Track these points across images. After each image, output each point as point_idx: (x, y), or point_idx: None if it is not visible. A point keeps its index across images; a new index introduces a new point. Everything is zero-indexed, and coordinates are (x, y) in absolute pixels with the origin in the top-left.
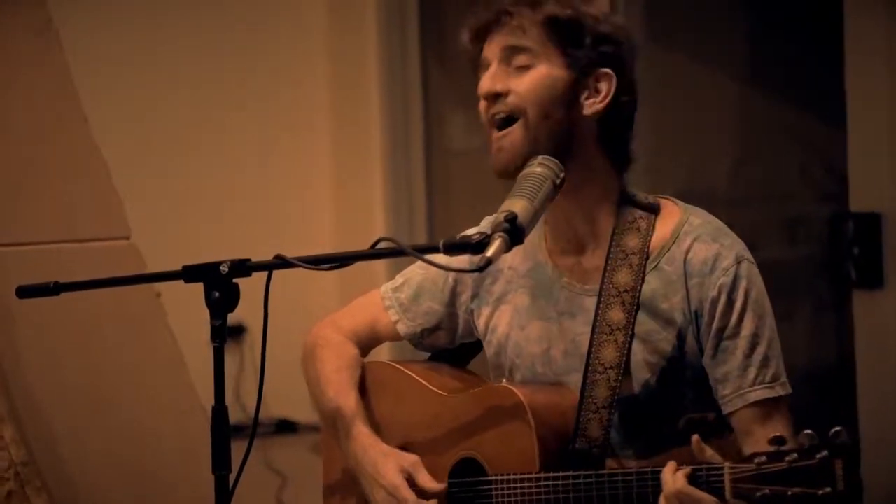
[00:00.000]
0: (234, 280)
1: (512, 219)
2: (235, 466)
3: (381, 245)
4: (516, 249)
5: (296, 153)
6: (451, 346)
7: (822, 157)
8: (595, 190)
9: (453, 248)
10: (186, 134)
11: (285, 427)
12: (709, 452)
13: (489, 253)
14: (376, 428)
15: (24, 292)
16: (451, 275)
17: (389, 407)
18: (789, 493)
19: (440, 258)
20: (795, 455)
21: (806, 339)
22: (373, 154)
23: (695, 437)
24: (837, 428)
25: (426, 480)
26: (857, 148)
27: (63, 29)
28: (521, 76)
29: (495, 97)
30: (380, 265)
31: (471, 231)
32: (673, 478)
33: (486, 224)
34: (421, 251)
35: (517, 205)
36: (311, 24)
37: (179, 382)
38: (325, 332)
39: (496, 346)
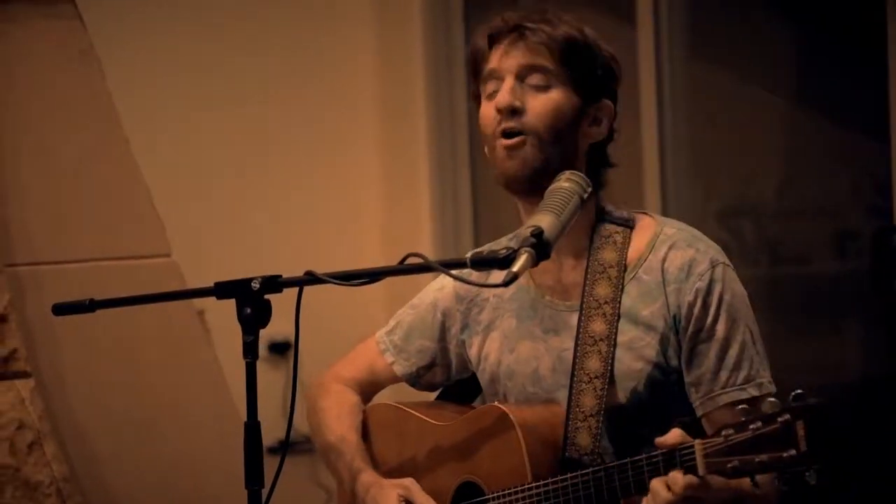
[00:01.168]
0: (267, 297)
1: (538, 234)
2: (281, 483)
3: (410, 261)
4: (499, 277)
5: (343, 169)
6: (448, 383)
7: (871, 172)
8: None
9: (480, 263)
10: (230, 152)
11: None
12: (674, 435)
13: (515, 268)
14: (380, 467)
15: (61, 310)
16: (440, 310)
17: (391, 446)
18: (756, 460)
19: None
20: (759, 423)
21: (856, 354)
22: (420, 170)
23: (656, 440)
24: (798, 391)
25: (424, 501)
26: None
27: (104, 53)
28: (537, 96)
29: (511, 112)
30: (426, 281)
31: (492, 245)
32: (671, 482)
33: (505, 241)
34: (448, 266)
35: (544, 220)
36: (359, 41)
37: (221, 402)
38: (325, 382)
39: (490, 374)
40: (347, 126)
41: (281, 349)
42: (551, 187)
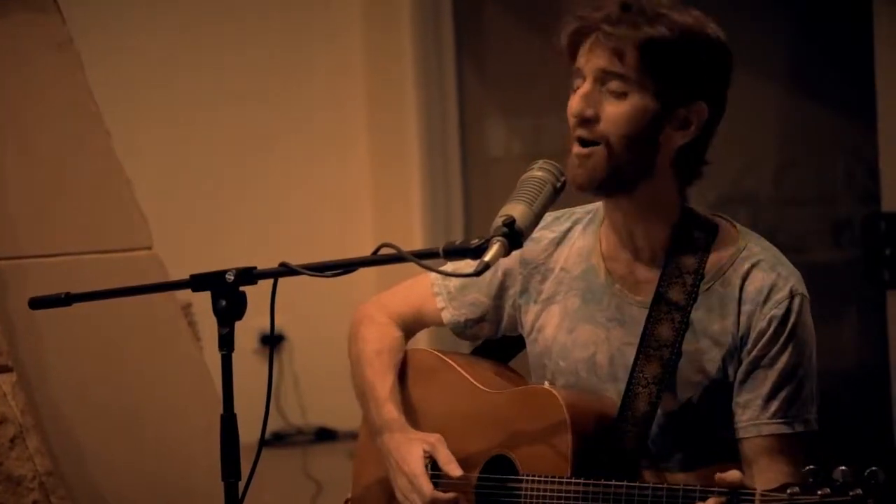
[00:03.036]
0: (242, 288)
1: (510, 223)
2: (271, 475)
3: (383, 251)
4: (571, 251)
5: (331, 160)
6: (493, 338)
7: (865, 160)
8: (659, 207)
9: (453, 253)
10: (212, 145)
11: (325, 435)
12: (734, 476)
13: (487, 257)
14: (412, 413)
15: (37, 304)
16: (501, 268)
17: (428, 395)
18: None
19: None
20: (829, 490)
21: (851, 342)
22: (410, 162)
23: (717, 475)
24: (874, 468)
25: (446, 462)
26: (888, 148)
27: (84, 46)
28: (613, 103)
29: (585, 121)
30: (419, 271)
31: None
32: None
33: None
34: (421, 256)
35: (516, 209)
36: (347, 34)
37: (205, 395)
38: (371, 311)
39: (541, 347)
40: (335, 118)
41: (274, 341)
42: (524, 176)
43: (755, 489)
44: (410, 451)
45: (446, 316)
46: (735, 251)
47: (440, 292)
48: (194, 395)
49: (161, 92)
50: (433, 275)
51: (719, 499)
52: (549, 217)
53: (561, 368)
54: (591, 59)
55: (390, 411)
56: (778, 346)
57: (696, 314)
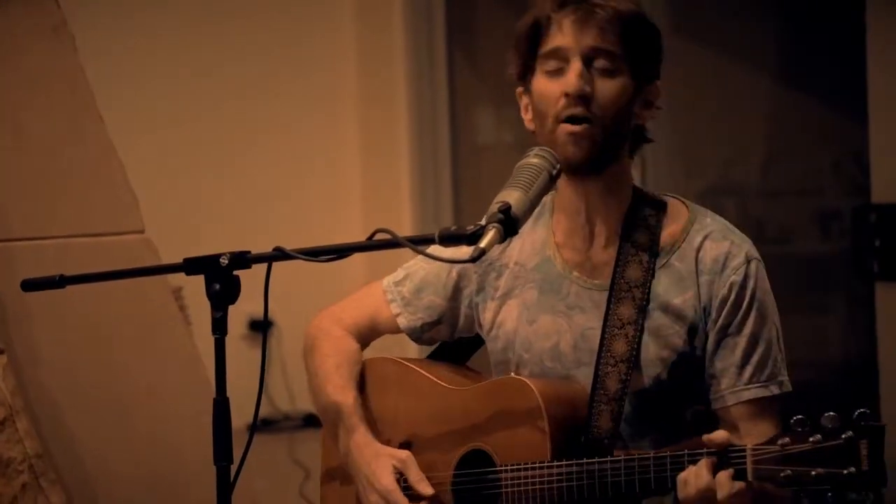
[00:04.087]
0: (241, 272)
1: (506, 209)
2: (259, 461)
3: (378, 237)
4: (524, 246)
5: (322, 146)
6: (449, 340)
7: (853, 152)
8: (619, 189)
9: (448, 239)
10: (205, 128)
11: (312, 421)
12: (721, 436)
13: (483, 243)
14: (378, 423)
15: (30, 285)
16: (455, 269)
17: (392, 402)
18: (813, 472)
19: (438, 249)
20: (819, 436)
21: (838, 332)
22: (400, 148)
23: (703, 437)
24: (862, 410)
25: (417, 480)
26: (878, 139)
27: (77, 28)
28: (605, 81)
29: (583, 99)
30: (407, 258)
31: None
32: (696, 475)
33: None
34: (417, 242)
35: (512, 196)
36: (339, 18)
37: (196, 379)
38: (325, 324)
39: (503, 342)
40: (326, 106)
41: (261, 326)
42: (520, 163)
43: (744, 445)
44: (381, 466)
45: (402, 322)
46: (686, 224)
47: (394, 299)
48: (185, 378)
49: (154, 78)
50: (385, 282)
51: (711, 459)
52: None
53: (525, 360)
54: (578, 38)
55: (356, 426)
56: (742, 311)
57: (656, 290)
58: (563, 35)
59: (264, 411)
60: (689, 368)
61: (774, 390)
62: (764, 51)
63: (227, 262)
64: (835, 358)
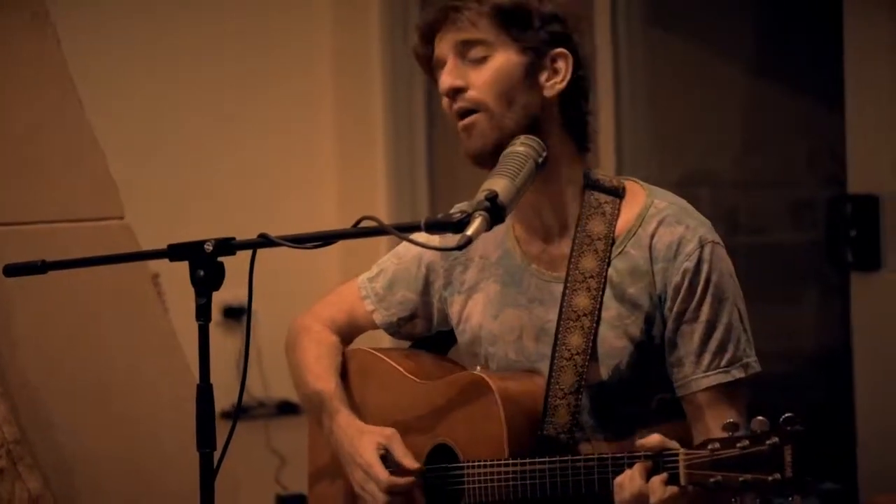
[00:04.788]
0: (222, 260)
1: (493, 197)
2: (234, 448)
3: (364, 224)
4: (487, 238)
5: (297, 131)
6: (429, 334)
7: (827, 143)
8: (561, 176)
9: (435, 227)
10: (184, 115)
11: (286, 408)
12: (654, 440)
13: (469, 231)
14: (356, 413)
15: (11, 271)
16: (424, 263)
17: (369, 393)
18: (740, 479)
19: (422, 237)
20: (747, 441)
21: (812, 323)
22: (376, 133)
23: (637, 441)
24: (788, 414)
25: (402, 455)
26: (855, 130)
27: (58, 15)
28: (478, 68)
29: (456, 92)
30: (384, 245)
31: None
32: (630, 479)
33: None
34: (403, 230)
35: (498, 184)
36: (315, 7)
37: (176, 365)
38: (306, 322)
39: (470, 335)
40: (303, 88)
41: (235, 314)
42: (506, 151)
43: (678, 449)
44: (363, 442)
45: (378, 318)
46: (642, 209)
47: (368, 295)
48: (164, 365)
49: (134, 64)
50: (360, 279)
51: (645, 464)
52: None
53: (491, 354)
54: (445, 41)
55: (339, 409)
56: (696, 297)
57: (612, 279)
58: (438, 47)
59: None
60: (649, 358)
61: (737, 374)
62: (739, 42)
63: (211, 248)
64: (808, 349)
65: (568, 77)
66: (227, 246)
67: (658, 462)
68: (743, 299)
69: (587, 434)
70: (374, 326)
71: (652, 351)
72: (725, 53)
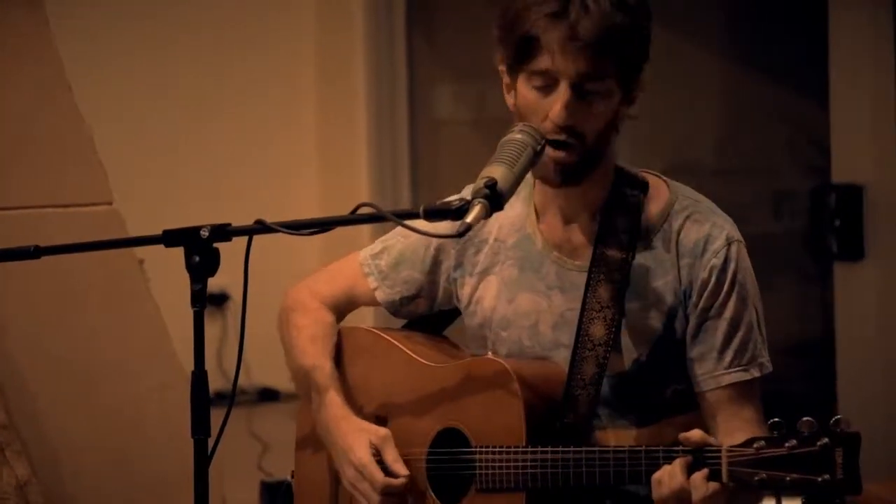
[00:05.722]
0: (215, 245)
1: (492, 185)
2: (213, 433)
3: (362, 211)
4: (503, 221)
5: (281, 121)
6: (429, 313)
7: (807, 132)
8: (599, 176)
9: (433, 214)
10: (170, 102)
11: (267, 395)
12: (696, 436)
13: (469, 219)
14: (353, 394)
15: (3, 256)
16: (433, 243)
17: (367, 373)
18: (787, 478)
19: (420, 224)
20: (795, 441)
21: (790, 312)
22: (357, 123)
23: (680, 435)
24: (839, 416)
25: (393, 460)
26: (839, 120)
27: (50, 2)
28: (594, 106)
29: (566, 129)
30: (363, 233)
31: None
32: (671, 475)
33: (467, 192)
34: (401, 217)
35: (497, 171)
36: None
37: (162, 351)
38: (300, 296)
39: (480, 318)
40: (285, 76)
41: (217, 300)
42: (504, 138)
43: (720, 445)
44: (358, 441)
45: (380, 295)
46: (667, 205)
47: (371, 272)
48: (151, 351)
49: (123, 51)
50: (362, 255)
51: (685, 458)
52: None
53: (503, 338)
54: (567, 62)
55: (333, 400)
56: (722, 295)
57: (636, 272)
58: (552, 58)
59: (219, 384)
60: (669, 350)
61: (755, 373)
62: (720, 30)
63: (207, 234)
64: (788, 337)
65: (636, 103)
66: (223, 232)
67: (698, 458)
68: (760, 301)
69: (603, 423)
70: (374, 303)
71: (672, 344)
72: (705, 42)
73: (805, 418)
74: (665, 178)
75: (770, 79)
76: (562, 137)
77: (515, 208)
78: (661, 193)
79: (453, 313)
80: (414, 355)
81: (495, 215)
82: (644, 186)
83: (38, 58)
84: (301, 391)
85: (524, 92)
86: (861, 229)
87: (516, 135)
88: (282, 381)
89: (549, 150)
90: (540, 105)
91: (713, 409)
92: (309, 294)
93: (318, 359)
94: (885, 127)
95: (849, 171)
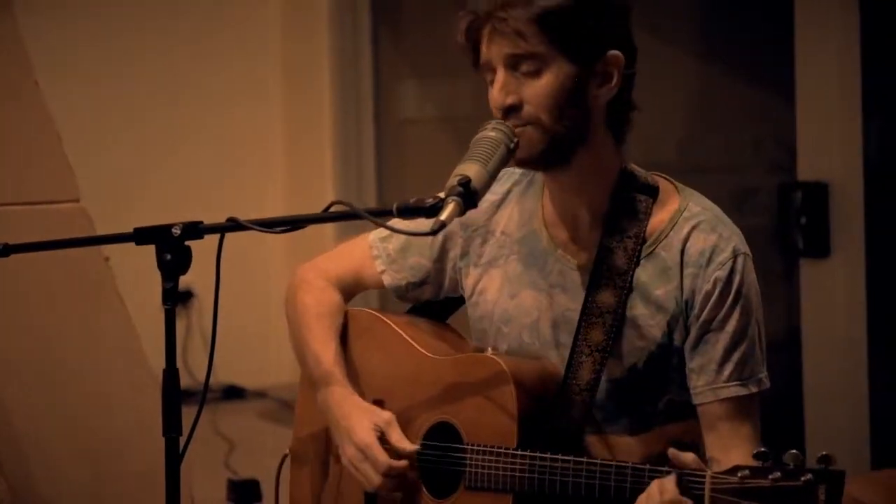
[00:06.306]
0: (185, 243)
1: (465, 183)
2: (186, 432)
3: (335, 208)
4: (512, 214)
5: (247, 120)
6: (436, 300)
7: (773, 130)
8: (600, 174)
9: (407, 212)
10: (139, 100)
11: (233, 393)
12: (688, 458)
13: (443, 216)
14: (354, 376)
15: None
16: (442, 231)
17: (370, 357)
18: None
19: (395, 222)
20: (779, 474)
21: None
22: (323, 122)
23: (671, 450)
24: (825, 453)
25: (398, 440)
26: (805, 118)
27: None
28: (530, 83)
29: (509, 109)
30: (330, 232)
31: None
32: (661, 488)
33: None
34: (375, 214)
35: (471, 169)
36: None
37: (130, 349)
38: (308, 275)
39: (482, 311)
40: (251, 75)
41: (181, 298)
42: (477, 136)
43: (705, 471)
44: (361, 421)
45: (387, 279)
46: (675, 212)
47: (379, 255)
48: (119, 349)
49: (92, 49)
50: (371, 237)
51: (670, 479)
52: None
53: (504, 333)
54: (494, 48)
55: (337, 379)
56: (725, 308)
57: (639, 279)
58: (485, 49)
59: (185, 382)
60: (666, 359)
61: (753, 388)
62: (685, 27)
63: (179, 232)
64: None
65: (619, 83)
66: (196, 230)
67: (682, 480)
68: (762, 315)
69: (595, 428)
70: (381, 287)
71: (670, 353)
72: (672, 40)
73: (791, 451)
74: (677, 183)
75: (736, 77)
76: (510, 121)
77: (526, 203)
78: (670, 199)
79: (459, 301)
80: (415, 344)
81: (507, 207)
82: (654, 191)
83: (5, 55)
84: (304, 368)
85: (488, 90)
86: (827, 226)
87: (489, 132)
88: (247, 379)
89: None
90: (492, 97)
91: (710, 423)
92: (316, 273)
93: (323, 337)
94: (851, 125)
95: (815, 168)
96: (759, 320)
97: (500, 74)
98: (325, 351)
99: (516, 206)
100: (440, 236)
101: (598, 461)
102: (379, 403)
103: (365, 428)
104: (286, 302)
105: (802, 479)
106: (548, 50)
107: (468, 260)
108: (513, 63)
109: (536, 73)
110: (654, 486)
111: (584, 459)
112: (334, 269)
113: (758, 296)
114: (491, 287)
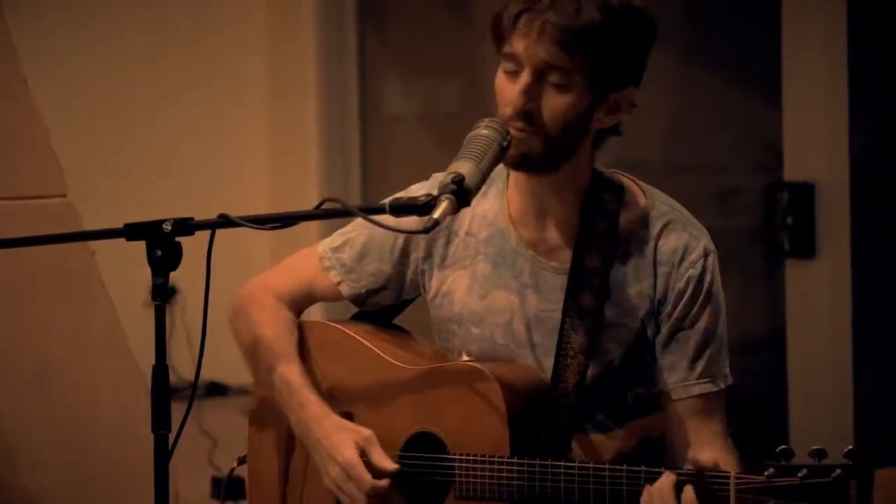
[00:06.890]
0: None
1: (459, 180)
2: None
3: (327, 205)
4: (475, 214)
5: (233, 116)
6: (394, 304)
7: (756, 130)
8: (576, 180)
9: (400, 210)
10: (126, 95)
11: (216, 390)
12: (707, 459)
13: (436, 214)
14: (318, 390)
15: None
16: (402, 234)
17: (333, 369)
18: None
19: (386, 219)
20: (807, 471)
21: (737, 310)
22: (309, 119)
23: (689, 455)
24: (850, 447)
25: (380, 459)
26: (791, 118)
27: None
28: (554, 95)
29: (522, 115)
30: (315, 228)
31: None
32: (671, 493)
33: (432, 182)
34: (366, 212)
35: (464, 167)
36: None
37: (116, 345)
38: (256, 293)
39: (448, 312)
40: (235, 71)
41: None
42: (471, 134)
43: (729, 473)
44: (343, 441)
45: (345, 289)
46: (644, 211)
47: (333, 266)
48: (105, 345)
49: (79, 44)
50: (321, 249)
51: (689, 488)
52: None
53: (474, 335)
54: (530, 50)
55: (309, 398)
56: (697, 306)
57: (614, 278)
58: (519, 43)
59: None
60: (638, 356)
61: (722, 384)
62: (669, 26)
63: (170, 228)
64: (737, 334)
65: (622, 116)
66: (186, 226)
67: (705, 482)
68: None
69: (585, 430)
70: (338, 298)
71: (643, 351)
72: (658, 43)
73: (814, 447)
74: (637, 181)
75: (721, 76)
76: (519, 125)
77: (488, 202)
78: (636, 198)
79: (405, 303)
80: (383, 354)
81: (469, 207)
82: (620, 191)
83: None
84: (266, 389)
85: (499, 75)
86: (813, 227)
87: (483, 130)
88: (230, 375)
89: (512, 131)
90: (506, 90)
91: (680, 419)
92: (264, 290)
93: (285, 357)
94: (837, 125)
95: (801, 169)
96: (724, 319)
97: (527, 76)
98: (291, 372)
99: (478, 206)
100: (400, 239)
101: (591, 465)
102: (347, 416)
103: (349, 447)
104: (234, 320)
105: (833, 475)
106: (582, 71)
107: (431, 262)
108: (543, 70)
109: (563, 89)
110: (666, 485)
111: (577, 464)
112: (283, 286)
113: (722, 294)
114: (458, 288)
